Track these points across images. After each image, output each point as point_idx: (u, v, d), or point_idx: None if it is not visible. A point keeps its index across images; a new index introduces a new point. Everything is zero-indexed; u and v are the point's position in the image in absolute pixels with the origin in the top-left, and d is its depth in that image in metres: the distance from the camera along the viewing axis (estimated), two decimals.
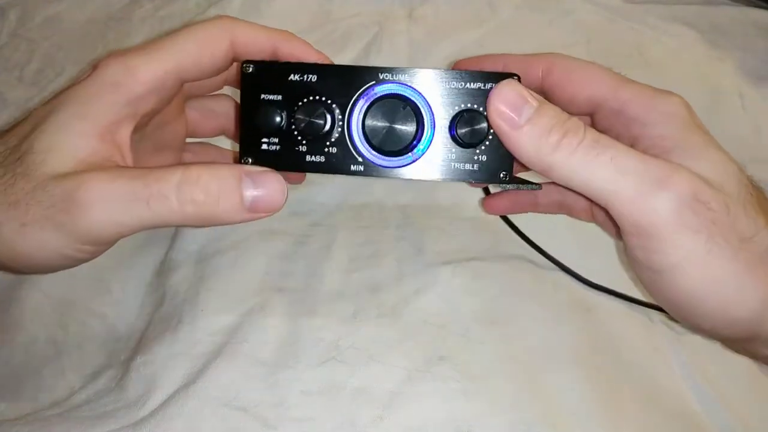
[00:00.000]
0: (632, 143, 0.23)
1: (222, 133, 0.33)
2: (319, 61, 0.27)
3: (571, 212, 0.33)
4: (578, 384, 0.30)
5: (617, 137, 0.24)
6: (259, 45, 0.26)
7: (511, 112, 0.21)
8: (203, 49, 0.24)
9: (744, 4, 0.59)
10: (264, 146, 0.24)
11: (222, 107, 0.32)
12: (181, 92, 0.27)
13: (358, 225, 0.38)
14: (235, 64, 0.27)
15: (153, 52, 0.24)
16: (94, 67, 0.24)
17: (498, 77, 0.22)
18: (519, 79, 0.23)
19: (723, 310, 0.21)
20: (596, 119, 0.26)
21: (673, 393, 0.31)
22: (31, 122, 0.23)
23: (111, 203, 0.21)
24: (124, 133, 0.23)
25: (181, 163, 0.31)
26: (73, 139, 0.22)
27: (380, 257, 0.35)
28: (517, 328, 0.32)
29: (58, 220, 0.21)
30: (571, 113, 0.26)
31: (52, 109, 0.23)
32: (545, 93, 0.27)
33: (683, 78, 0.52)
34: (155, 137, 0.28)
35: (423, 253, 0.35)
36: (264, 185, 0.23)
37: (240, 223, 0.24)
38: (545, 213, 0.34)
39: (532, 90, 0.26)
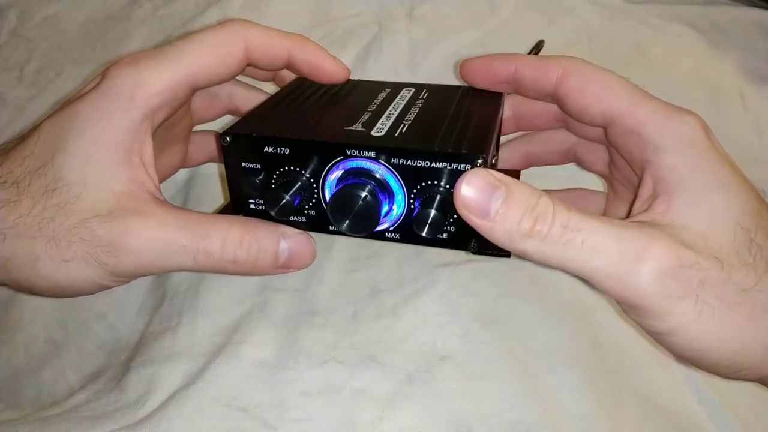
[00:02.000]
0: (642, 167, 0.23)
1: (226, 113, 0.32)
2: (334, 69, 0.27)
3: (582, 164, 0.30)
4: (578, 384, 0.30)
5: (629, 157, 0.24)
6: (273, 51, 0.26)
7: (479, 206, 0.20)
8: (217, 57, 0.24)
9: (745, 4, 0.59)
10: (252, 206, 0.25)
11: (223, 89, 0.31)
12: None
13: None
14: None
15: (164, 60, 0.23)
16: (103, 75, 0.23)
17: (461, 158, 0.21)
18: (484, 160, 0.21)
19: (727, 361, 0.20)
20: (609, 133, 0.25)
21: (673, 393, 0.31)
22: (46, 142, 0.22)
23: (158, 252, 0.22)
24: (148, 151, 0.23)
25: (186, 159, 0.32)
26: (105, 171, 0.22)
27: (380, 258, 0.35)
28: (517, 328, 0.32)
29: (102, 259, 0.22)
30: (584, 123, 0.26)
31: (67, 130, 0.22)
32: (558, 100, 0.26)
33: (684, 78, 0.51)
34: (163, 137, 0.28)
35: (423, 254, 0.35)
36: (297, 246, 0.24)
37: (269, 275, 0.25)
38: (550, 164, 0.32)
39: (543, 92, 0.26)
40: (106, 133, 0.22)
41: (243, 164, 0.24)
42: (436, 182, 0.22)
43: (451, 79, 0.51)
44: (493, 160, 0.27)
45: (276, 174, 0.24)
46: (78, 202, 0.21)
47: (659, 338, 0.21)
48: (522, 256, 0.21)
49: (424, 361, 0.30)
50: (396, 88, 0.29)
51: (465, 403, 0.29)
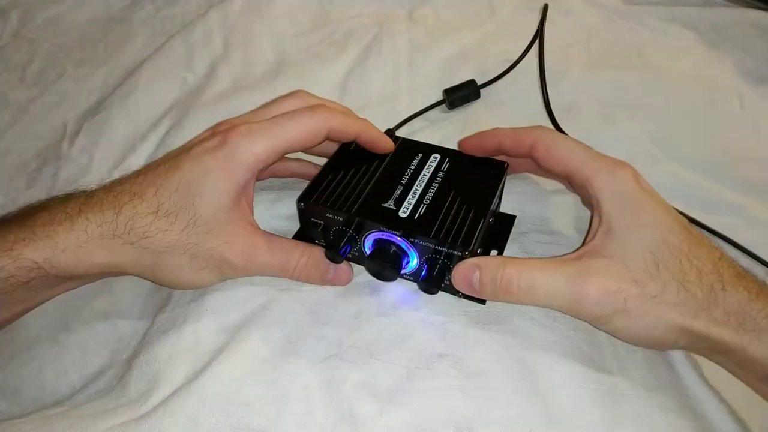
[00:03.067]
0: (593, 210, 0.32)
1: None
2: (385, 146, 0.36)
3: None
4: (576, 381, 0.30)
5: (588, 201, 0.33)
6: (347, 133, 0.35)
7: (466, 283, 0.31)
8: (308, 135, 0.33)
9: (743, 5, 0.59)
10: (315, 242, 0.36)
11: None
12: None
13: None
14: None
15: (271, 136, 0.32)
16: (224, 138, 0.31)
17: (455, 247, 0.30)
18: (471, 251, 0.30)
19: (653, 343, 0.30)
20: (570, 183, 0.34)
21: (670, 389, 0.31)
22: (187, 185, 0.31)
23: (258, 268, 0.33)
24: (251, 195, 0.34)
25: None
26: (227, 212, 0.31)
27: None
28: (515, 327, 0.32)
29: (223, 271, 0.32)
30: (552, 178, 0.37)
31: (203, 180, 0.31)
32: (532, 159, 0.34)
33: (682, 78, 0.52)
34: None
35: None
36: (339, 271, 0.34)
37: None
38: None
39: (521, 155, 0.34)
40: (229, 186, 0.31)
41: (311, 219, 0.34)
42: (438, 256, 0.31)
43: (449, 80, 0.51)
44: (491, 219, 0.35)
45: (333, 229, 0.34)
46: (211, 234, 0.31)
47: (604, 330, 0.30)
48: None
49: (423, 359, 0.30)
50: (426, 154, 0.37)
51: (464, 399, 0.29)
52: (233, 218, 0.32)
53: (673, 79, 0.52)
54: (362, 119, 0.36)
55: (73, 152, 0.47)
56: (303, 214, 0.34)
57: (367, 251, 0.34)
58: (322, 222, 0.34)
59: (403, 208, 0.33)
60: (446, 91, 0.51)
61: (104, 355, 0.34)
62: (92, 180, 0.44)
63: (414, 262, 0.33)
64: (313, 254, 0.33)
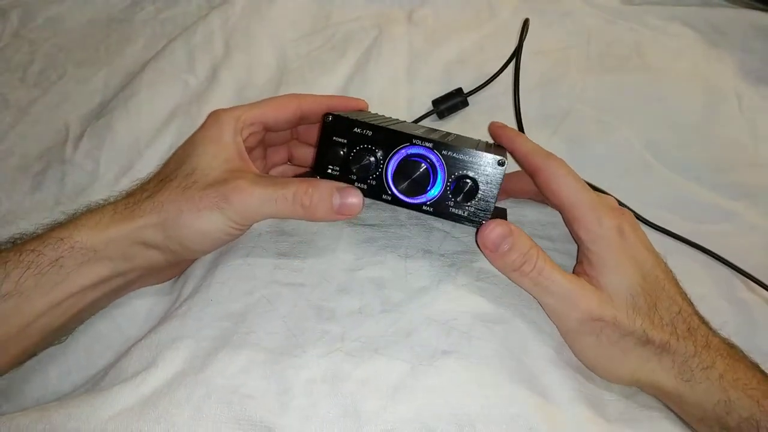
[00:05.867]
0: (577, 242, 0.35)
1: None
2: (357, 102, 0.40)
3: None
4: (570, 383, 0.31)
5: (572, 233, 0.35)
6: (317, 107, 0.38)
7: (494, 243, 0.32)
8: (279, 106, 0.38)
9: (743, 5, 0.59)
10: (329, 170, 0.34)
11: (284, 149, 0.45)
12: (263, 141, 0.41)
13: (364, 224, 0.38)
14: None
15: (247, 108, 0.37)
16: (209, 117, 0.36)
17: (487, 158, 0.31)
18: (503, 162, 0.31)
19: (609, 374, 0.33)
20: (562, 214, 0.36)
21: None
22: (182, 155, 0.35)
23: (253, 200, 0.32)
24: (243, 151, 0.36)
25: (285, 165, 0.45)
26: (221, 161, 0.34)
27: (386, 256, 0.36)
28: (518, 327, 0.32)
29: (221, 206, 0.32)
30: (549, 206, 0.38)
31: (195, 144, 0.35)
32: (533, 180, 0.36)
33: (681, 80, 0.52)
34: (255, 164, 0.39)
35: (428, 254, 0.36)
36: (347, 198, 0.33)
37: (331, 221, 0.36)
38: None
39: (525, 170, 0.37)
40: (219, 141, 0.35)
41: (334, 138, 0.33)
42: (468, 172, 0.32)
43: (449, 83, 0.52)
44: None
45: (355, 149, 0.33)
46: (206, 178, 0.33)
47: (573, 348, 0.33)
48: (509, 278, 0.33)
49: (427, 355, 0.30)
50: (431, 129, 0.39)
51: (467, 396, 0.29)
52: (228, 165, 0.34)
53: (672, 81, 0.52)
54: (331, 95, 0.41)
55: (78, 157, 0.47)
56: (328, 130, 0.33)
57: (390, 177, 0.33)
58: (345, 141, 0.33)
59: (432, 136, 0.33)
60: (434, 102, 0.51)
61: (108, 357, 0.35)
62: (100, 186, 0.44)
63: (437, 189, 0.32)
64: (314, 181, 0.33)
